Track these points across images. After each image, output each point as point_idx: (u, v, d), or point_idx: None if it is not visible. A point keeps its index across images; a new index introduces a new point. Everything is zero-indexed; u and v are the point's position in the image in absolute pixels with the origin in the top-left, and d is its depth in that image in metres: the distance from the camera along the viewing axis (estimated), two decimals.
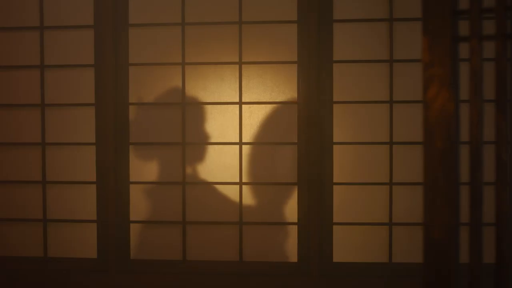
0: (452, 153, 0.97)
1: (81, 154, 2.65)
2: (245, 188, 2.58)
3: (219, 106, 2.59)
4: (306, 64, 2.52)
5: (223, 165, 2.60)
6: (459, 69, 1.00)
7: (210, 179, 2.61)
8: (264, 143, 2.58)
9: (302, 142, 2.53)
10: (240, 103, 2.58)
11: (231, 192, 2.60)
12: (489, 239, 1.07)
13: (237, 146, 2.58)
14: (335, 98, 2.53)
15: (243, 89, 2.58)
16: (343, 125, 2.54)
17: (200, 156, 2.61)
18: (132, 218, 2.63)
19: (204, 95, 2.60)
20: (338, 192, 2.54)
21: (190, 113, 2.61)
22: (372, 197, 2.54)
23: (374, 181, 2.53)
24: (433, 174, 0.98)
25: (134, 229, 2.64)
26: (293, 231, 2.56)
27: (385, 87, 2.52)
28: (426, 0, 0.98)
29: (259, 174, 2.58)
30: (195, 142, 2.60)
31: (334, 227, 2.55)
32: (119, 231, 2.61)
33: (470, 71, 0.97)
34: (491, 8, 0.97)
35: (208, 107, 2.60)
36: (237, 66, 2.58)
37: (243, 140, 2.58)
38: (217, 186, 2.60)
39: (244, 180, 2.58)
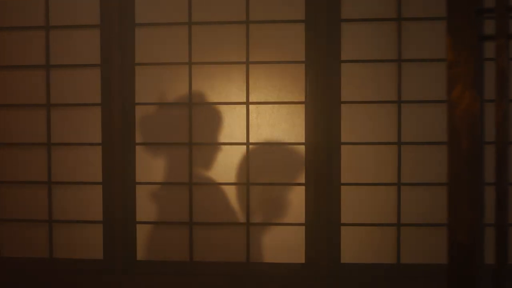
0: (478, 154, 0.96)
1: (87, 154, 2.63)
2: (251, 188, 2.57)
3: (226, 106, 2.58)
4: (314, 64, 2.51)
5: (230, 165, 2.58)
6: (484, 68, 0.99)
7: (216, 179, 2.59)
8: (271, 143, 2.56)
9: (310, 142, 2.52)
10: (248, 103, 2.56)
11: (238, 193, 2.58)
12: None
13: (244, 146, 2.57)
14: (343, 98, 2.52)
15: (250, 89, 2.57)
16: (351, 125, 2.53)
17: (206, 156, 2.59)
18: (138, 218, 2.62)
19: (211, 95, 2.59)
20: (345, 193, 2.53)
21: (197, 113, 2.59)
22: (380, 198, 2.53)
23: (382, 182, 2.52)
24: (458, 175, 0.97)
25: (140, 230, 2.63)
26: (301, 231, 2.55)
27: (393, 87, 2.51)
28: None
29: (266, 175, 2.57)
30: (202, 142, 2.59)
31: (342, 227, 2.53)
32: (125, 232, 2.60)
33: (496, 71, 0.96)
34: None
35: (215, 107, 2.58)
36: (245, 66, 2.56)
37: (250, 140, 2.57)
38: (224, 187, 2.59)
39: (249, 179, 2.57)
